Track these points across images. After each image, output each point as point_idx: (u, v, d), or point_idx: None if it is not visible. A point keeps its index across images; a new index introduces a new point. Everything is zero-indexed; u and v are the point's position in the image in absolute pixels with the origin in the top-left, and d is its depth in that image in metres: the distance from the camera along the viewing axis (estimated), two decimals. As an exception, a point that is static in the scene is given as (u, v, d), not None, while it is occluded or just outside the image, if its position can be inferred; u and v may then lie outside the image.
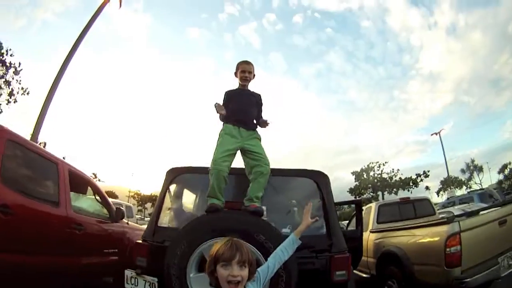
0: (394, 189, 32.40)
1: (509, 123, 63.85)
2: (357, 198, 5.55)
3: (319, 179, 2.80)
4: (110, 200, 12.08)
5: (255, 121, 2.89)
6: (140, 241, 2.69)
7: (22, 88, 19.44)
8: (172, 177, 2.98)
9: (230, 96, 2.90)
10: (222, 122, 2.79)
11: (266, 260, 2.00)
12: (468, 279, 3.02)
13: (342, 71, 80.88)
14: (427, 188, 39.13)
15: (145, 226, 9.84)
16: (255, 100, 2.93)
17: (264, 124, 2.89)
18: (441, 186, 41.57)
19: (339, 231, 2.59)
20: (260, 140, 2.80)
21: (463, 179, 43.05)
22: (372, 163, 33.96)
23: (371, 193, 33.34)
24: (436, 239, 3.29)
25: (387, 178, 32.71)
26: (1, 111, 19.98)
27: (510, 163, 36.97)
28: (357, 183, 34.23)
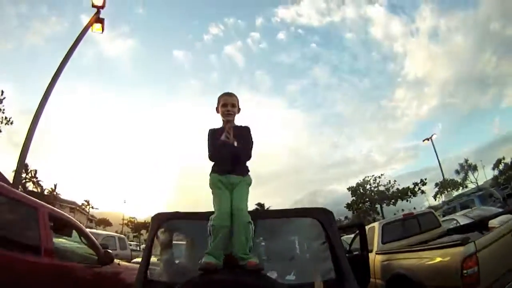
0: (393, 200, 32.16)
1: (497, 119, 65.02)
2: (359, 221, 5.28)
3: (323, 217, 2.48)
4: (102, 232, 11.76)
5: (245, 163, 2.50)
6: None
7: (6, 118, 18.96)
8: (159, 223, 2.70)
9: (215, 135, 2.47)
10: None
11: None
12: None
13: (328, 84, 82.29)
14: (422, 192, 39.28)
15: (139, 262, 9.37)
16: (243, 138, 2.47)
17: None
18: (437, 190, 41.76)
19: (350, 273, 2.30)
20: (249, 186, 2.45)
21: (458, 180, 43.44)
22: (368, 176, 33.85)
23: (369, 206, 33.12)
24: (451, 261, 3.15)
25: (384, 190, 32.49)
26: None
27: (504, 158, 37.31)
28: (354, 198, 33.85)
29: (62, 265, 3.15)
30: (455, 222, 7.19)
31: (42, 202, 3.37)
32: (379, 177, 33.05)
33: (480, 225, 4.51)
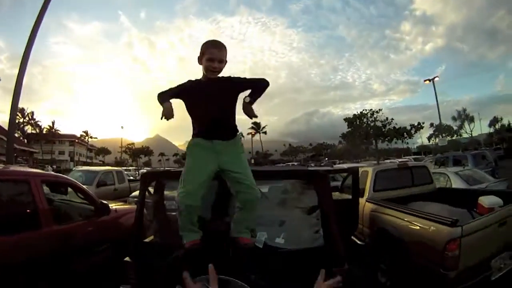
0: (388, 138, 32.31)
1: (502, 77, 63.51)
2: (353, 167, 5.17)
3: (316, 181, 2.44)
4: (100, 168, 11.74)
5: (230, 123, 2.16)
6: (128, 259, 2.41)
7: None
8: (148, 182, 2.69)
9: (191, 93, 2.11)
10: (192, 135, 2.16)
11: None
12: (460, 283, 3.00)
13: (332, 7, 77.34)
14: (416, 131, 39.70)
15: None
16: (229, 92, 2.10)
17: (250, 111, 2.11)
18: (432, 131, 42.64)
19: (339, 240, 2.29)
20: (241, 148, 2.17)
21: (454, 127, 44.17)
22: (365, 110, 33.33)
23: (364, 140, 33.41)
24: (437, 238, 3.15)
25: (381, 127, 32.38)
26: None
27: (501, 118, 37.62)
28: (349, 129, 33.86)
29: (62, 228, 3.27)
30: (446, 178, 7.27)
31: (33, 171, 3.43)
32: (377, 112, 32.88)
33: (471, 196, 4.46)
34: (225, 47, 2.10)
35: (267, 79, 2.18)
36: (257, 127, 77.90)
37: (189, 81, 2.19)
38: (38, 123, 69.37)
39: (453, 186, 6.74)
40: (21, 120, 59.28)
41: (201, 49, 2.08)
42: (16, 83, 8.82)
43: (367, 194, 5.27)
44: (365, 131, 32.65)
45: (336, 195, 6.31)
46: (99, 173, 10.22)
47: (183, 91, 2.13)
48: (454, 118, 46.16)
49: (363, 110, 33.56)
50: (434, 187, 5.80)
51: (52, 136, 71.65)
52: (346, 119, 34.20)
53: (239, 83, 2.14)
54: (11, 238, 2.68)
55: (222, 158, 2.05)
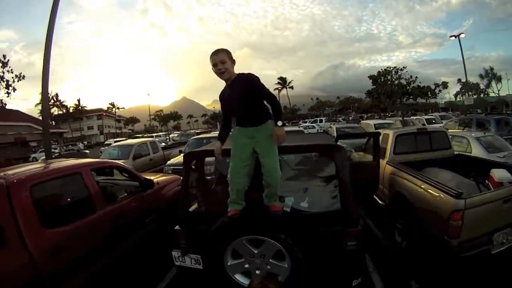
0: (412, 97, 31.56)
1: None
2: (374, 131, 5.44)
3: (334, 153, 2.81)
4: (134, 141, 12.05)
5: (257, 114, 2.51)
6: (177, 227, 2.94)
7: (16, 76, 20.82)
8: (190, 161, 3.12)
9: (222, 99, 2.65)
10: None
11: (288, 253, 2.31)
12: (462, 252, 3.27)
13: None
14: (445, 86, 38.23)
15: (175, 159, 9.86)
16: (243, 90, 2.43)
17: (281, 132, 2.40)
18: (459, 89, 40.99)
19: (354, 206, 2.70)
20: (270, 133, 2.46)
21: (481, 86, 42.03)
22: (389, 67, 32.39)
23: (388, 97, 32.66)
24: (442, 208, 3.43)
25: (405, 85, 31.60)
26: (6, 104, 22.50)
27: None
28: (374, 86, 33.31)
29: (114, 209, 3.64)
30: (467, 142, 7.32)
31: (82, 162, 3.73)
32: (401, 69, 32.09)
33: (486, 166, 4.59)
34: (223, 50, 2.50)
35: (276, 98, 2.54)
36: (283, 82, 77.08)
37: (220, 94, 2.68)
38: (64, 103, 71.91)
39: (473, 151, 6.81)
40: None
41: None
42: (43, 73, 9.11)
43: (388, 157, 5.60)
44: (389, 89, 31.97)
45: (360, 155, 6.67)
46: (134, 146, 10.57)
47: (220, 101, 2.67)
48: (481, 76, 43.87)
49: (388, 67, 32.64)
50: (452, 153, 5.97)
51: (79, 113, 74.12)
52: (370, 77, 33.54)
53: (251, 90, 2.45)
54: (74, 224, 3.01)
55: (255, 141, 2.51)
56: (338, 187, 2.77)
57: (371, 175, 4.63)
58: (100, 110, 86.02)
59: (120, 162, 5.21)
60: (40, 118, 14.04)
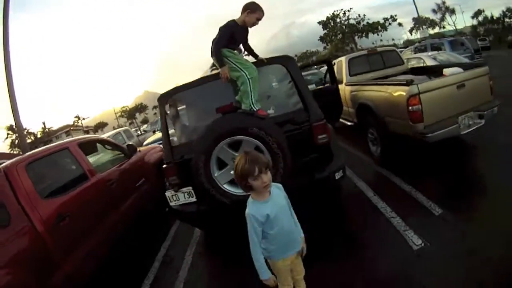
0: (364, 34, 32.45)
1: None
2: (326, 58, 5.79)
3: (287, 63, 3.10)
4: (107, 134, 11.95)
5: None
6: (165, 165, 3.12)
7: None
8: (165, 101, 3.27)
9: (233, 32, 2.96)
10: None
11: (265, 147, 2.58)
12: (430, 134, 3.59)
13: None
14: (400, 24, 39.24)
15: (150, 139, 10.24)
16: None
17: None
18: (413, 24, 41.78)
19: (314, 103, 2.98)
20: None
21: (435, 19, 42.97)
22: (336, 11, 33.14)
23: (340, 38, 33.48)
24: (400, 98, 3.75)
25: (355, 24, 32.39)
26: None
27: (484, 10, 36.56)
28: (325, 31, 34.04)
29: (104, 177, 3.80)
30: (422, 61, 7.66)
31: (68, 139, 3.97)
32: (348, 11, 32.90)
33: (437, 70, 4.93)
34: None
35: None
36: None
37: (233, 23, 2.97)
38: (30, 131, 69.00)
39: (429, 67, 7.18)
40: (14, 137, 58.98)
41: (252, 8, 2.87)
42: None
43: (345, 79, 6.01)
44: (341, 31, 32.77)
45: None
46: (109, 138, 10.71)
47: (230, 29, 2.97)
48: (434, 11, 44.82)
49: (334, 11, 33.48)
50: (407, 68, 6.41)
51: (47, 135, 71.50)
52: (320, 22, 34.19)
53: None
54: (71, 193, 3.20)
55: None
56: (296, 90, 3.05)
57: (333, 97, 5.01)
58: (67, 126, 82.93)
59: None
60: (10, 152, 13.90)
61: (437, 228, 2.74)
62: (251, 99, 2.79)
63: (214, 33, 2.92)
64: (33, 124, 67.24)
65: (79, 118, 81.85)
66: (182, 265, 3.37)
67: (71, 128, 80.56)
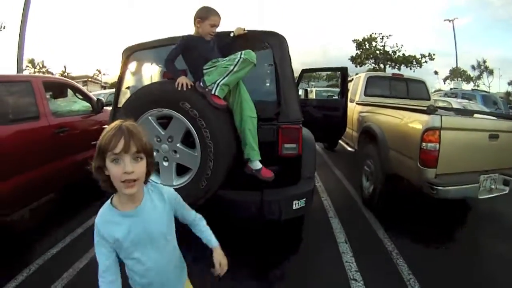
0: (397, 65, 30.77)
1: None
2: (343, 66, 4.98)
3: (272, 41, 2.39)
4: (106, 91, 11.82)
5: None
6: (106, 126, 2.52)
7: None
8: (128, 55, 2.74)
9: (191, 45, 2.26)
10: None
11: (194, 128, 1.86)
12: (440, 187, 2.66)
13: None
14: (435, 73, 38.38)
15: None
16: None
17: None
18: (449, 74, 40.99)
19: (294, 98, 2.28)
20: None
21: (471, 75, 42.24)
22: (375, 33, 31.38)
23: (373, 64, 31.80)
24: (414, 129, 2.85)
25: (390, 52, 30.82)
26: None
27: None
28: (358, 51, 32.19)
29: (58, 122, 3.54)
30: (446, 104, 7.01)
31: (37, 75, 3.78)
32: (387, 37, 31.38)
33: (467, 115, 4.08)
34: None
35: None
36: None
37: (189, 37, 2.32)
38: (49, 70, 70.14)
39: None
40: (33, 71, 60.18)
41: (202, 14, 2.20)
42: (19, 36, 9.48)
43: (358, 97, 5.18)
44: (373, 55, 31.26)
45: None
46: (107, 95, 10.46)
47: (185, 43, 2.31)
48: (473, 67, 43.97)
49: (373, 33, 31.73)
50: (432, 105, 5.54)
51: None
52: (354, 40, 32.45)
53: None
54: (12, 127, 3.00)
55: None
56: (274, 78, 2.33)
57: (337, 112, 4.24)
58: (86, 76, 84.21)
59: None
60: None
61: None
62: (220, 80, 2.03)
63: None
64: (55, 66, 67.77)
65: (100, 72, 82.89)
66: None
67: (89, 79, 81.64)
